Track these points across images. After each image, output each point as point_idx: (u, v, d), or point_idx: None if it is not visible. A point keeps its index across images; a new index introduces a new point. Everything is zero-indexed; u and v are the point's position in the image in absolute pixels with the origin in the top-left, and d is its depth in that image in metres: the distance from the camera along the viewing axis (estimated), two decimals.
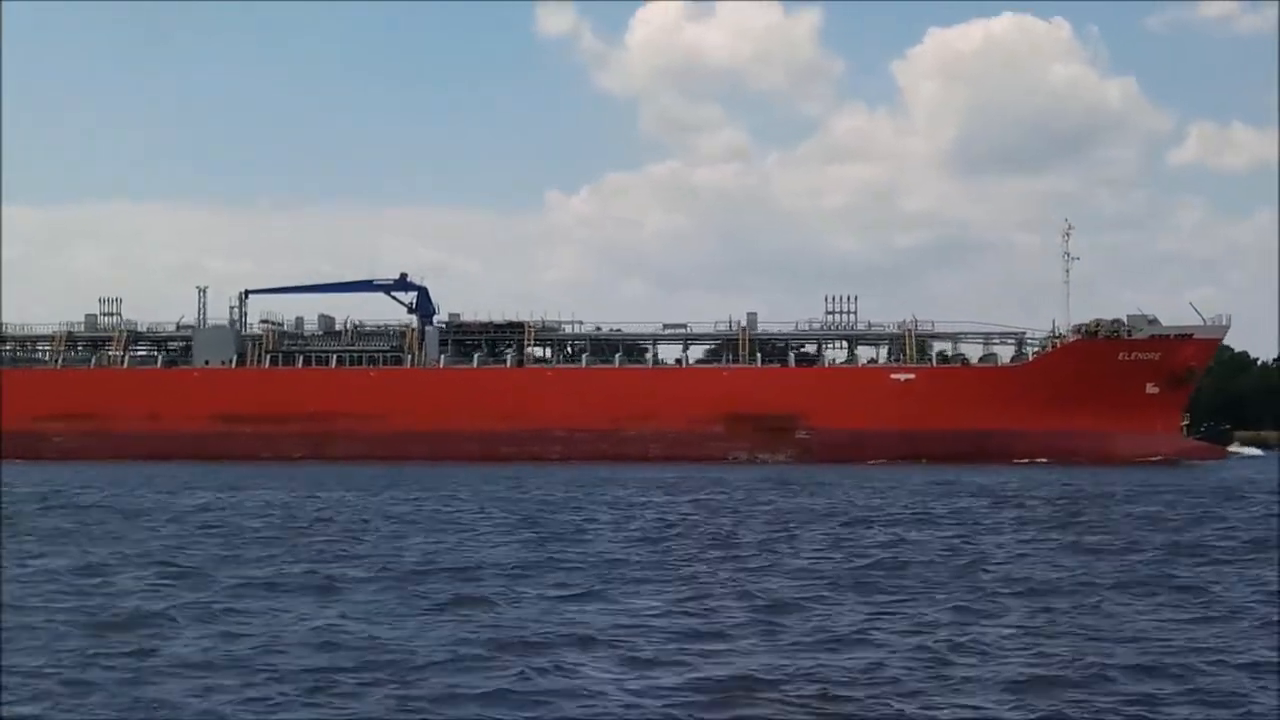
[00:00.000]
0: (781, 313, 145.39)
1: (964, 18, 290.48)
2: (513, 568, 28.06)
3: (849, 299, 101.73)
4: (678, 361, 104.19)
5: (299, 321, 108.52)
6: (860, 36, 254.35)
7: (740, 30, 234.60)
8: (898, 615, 21.80)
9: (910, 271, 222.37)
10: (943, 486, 59.25)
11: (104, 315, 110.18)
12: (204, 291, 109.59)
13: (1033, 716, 15.11)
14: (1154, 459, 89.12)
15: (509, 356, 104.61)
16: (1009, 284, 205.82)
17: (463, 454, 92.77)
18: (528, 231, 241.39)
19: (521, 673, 17.12)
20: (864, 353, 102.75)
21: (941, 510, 45.24)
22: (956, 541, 34.12)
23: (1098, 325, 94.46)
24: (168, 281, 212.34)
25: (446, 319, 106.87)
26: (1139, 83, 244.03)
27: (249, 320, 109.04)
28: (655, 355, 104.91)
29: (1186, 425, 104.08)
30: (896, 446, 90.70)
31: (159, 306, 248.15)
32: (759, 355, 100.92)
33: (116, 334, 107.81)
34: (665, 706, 15.53)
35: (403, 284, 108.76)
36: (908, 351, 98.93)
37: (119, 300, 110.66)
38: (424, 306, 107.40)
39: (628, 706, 15.55)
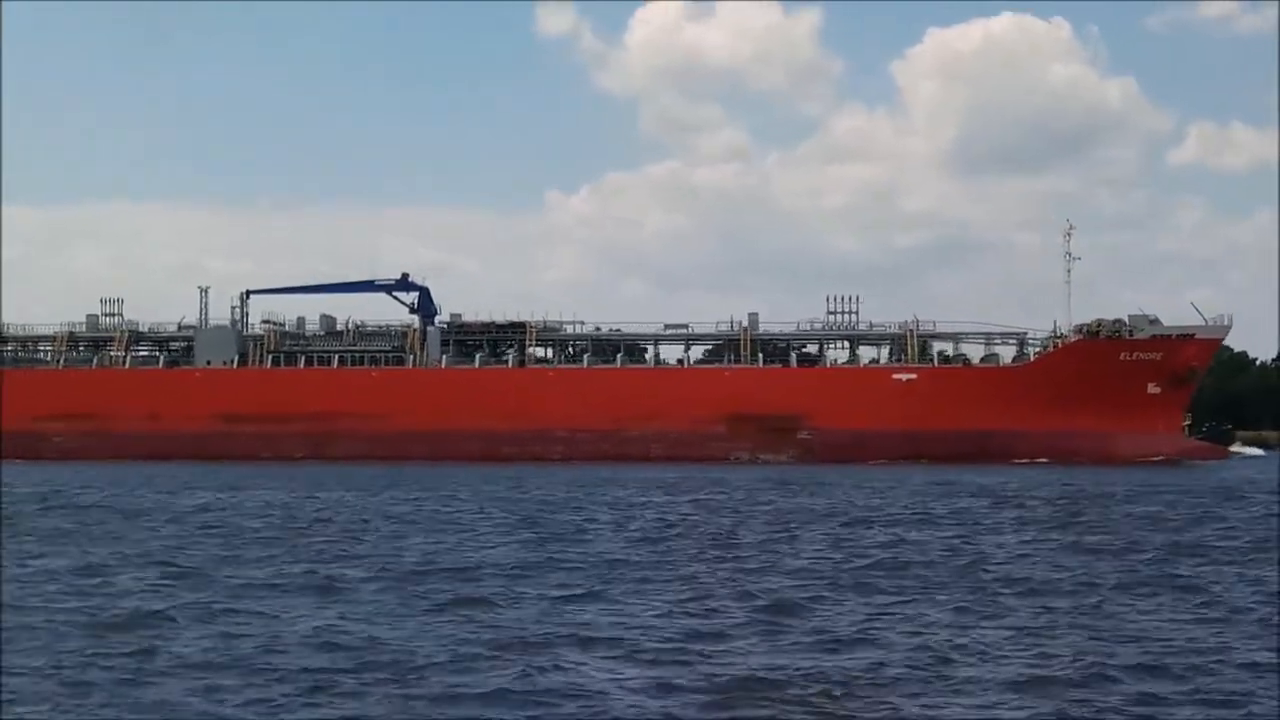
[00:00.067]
0: (781, 313, 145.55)
1: (963, 18, 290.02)
2: (512, 568, 28.05)
3: (851, 299, 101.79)
4: (679, 362, 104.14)
5: (300, 322, 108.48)
6: (860, 36, 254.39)
7: (740, 30, 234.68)
8: (898, 615, 21.79)
9: (910, 271, 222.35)
10: (945, 486, 59.23)
11: (105, 315, 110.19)
12: (205, 292, 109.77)
13: (1034, 716, 15.10)
14: (1156, 459, 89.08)
15: (510, 357, 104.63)
16: (1009, 284, 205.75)
17: (464, 454, 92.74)
18: (528, 231, 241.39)
19: (522, 672, 17.11)
20: (865, 353, 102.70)
21: (943, 510, 45.22)
22: (957, 542, 34.12)
23: (1099, 325, 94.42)
24: (168, 282, 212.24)
25: (448, 319, 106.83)
26: (1139, 83, 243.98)
27: (250, 320, 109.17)
28: (657, 355, 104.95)
29: (1188, 425, 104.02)
30: (899, 447, 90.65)
31: (159, 306, 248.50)
32: (760, 355, 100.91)
33: (118, 334, 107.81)
34: (665, 706, 15.52)
35: (404, 284, 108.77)
36: (909, 352, 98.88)
37: (120, 300, 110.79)
38: (426, 307, 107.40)
39: (628, 706, 15.54)
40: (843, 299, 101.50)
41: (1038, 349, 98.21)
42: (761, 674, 17.13)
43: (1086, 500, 50.62)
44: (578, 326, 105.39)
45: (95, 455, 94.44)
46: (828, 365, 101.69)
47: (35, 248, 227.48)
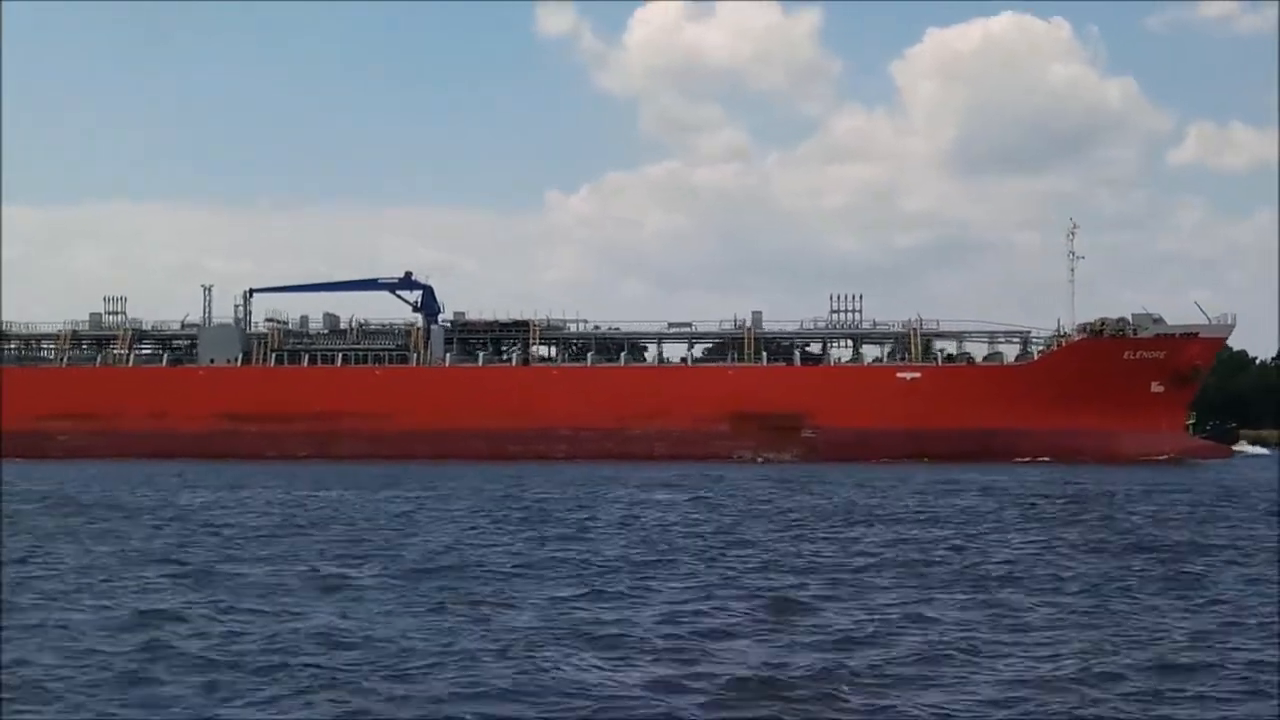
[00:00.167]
0: (781, 312, 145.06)
1: (963, 17, 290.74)
2: (513, 566, 28.02)
3: (854, 298, 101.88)
4: (683, 360, 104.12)
5: (304, 320, 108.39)
6: (859, 36, 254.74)
7: (740, 30, 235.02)
8: (902, 614, 21.77)
9: (910, 271, 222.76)
10: (949, 485, 59.21)
11: (109, 314, 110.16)
12: (209, 290, 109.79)
13: (1040, 715, 15.17)
14: (1159, 458, 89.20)
15: (514, 355, 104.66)
16: (1009, 284, 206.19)
17: (468, 453, 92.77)
18: (527, 231, 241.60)
19: (522, 669, 17.13)
20: (869, 352, 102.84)
21: (947, 509, 45.17)
22: (961, 540, 34.05)
23: (1103, 324, 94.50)
24: (167, 281, 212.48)
25: (451, 318, 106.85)
26: (1138, 83, 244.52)
27: (254, 319, 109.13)
28: (660, 354, 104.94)
29: (1192, 424, 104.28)
30: (902, 445, 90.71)
31: (159, 306, 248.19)
32: (764, 354, 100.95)
33: (121, 333, 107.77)
34: (666, 706, 15.54)
35: (408, 283, 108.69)
36: (913, 350, 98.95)
37: (123, 299, 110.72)
38: (429, 305, 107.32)
39: (629, 704, 15.55)
40: (846, 298, 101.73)
41: (1041, 348, 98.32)
42: (764, 673, 17.11)
43: (1090, 499, 50.60)
44: (581, 325, 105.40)
45: (100, 454, 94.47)
46: (831, 364, 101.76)
47: (35, 248, 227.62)
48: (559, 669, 17.30)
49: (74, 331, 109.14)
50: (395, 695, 15.90)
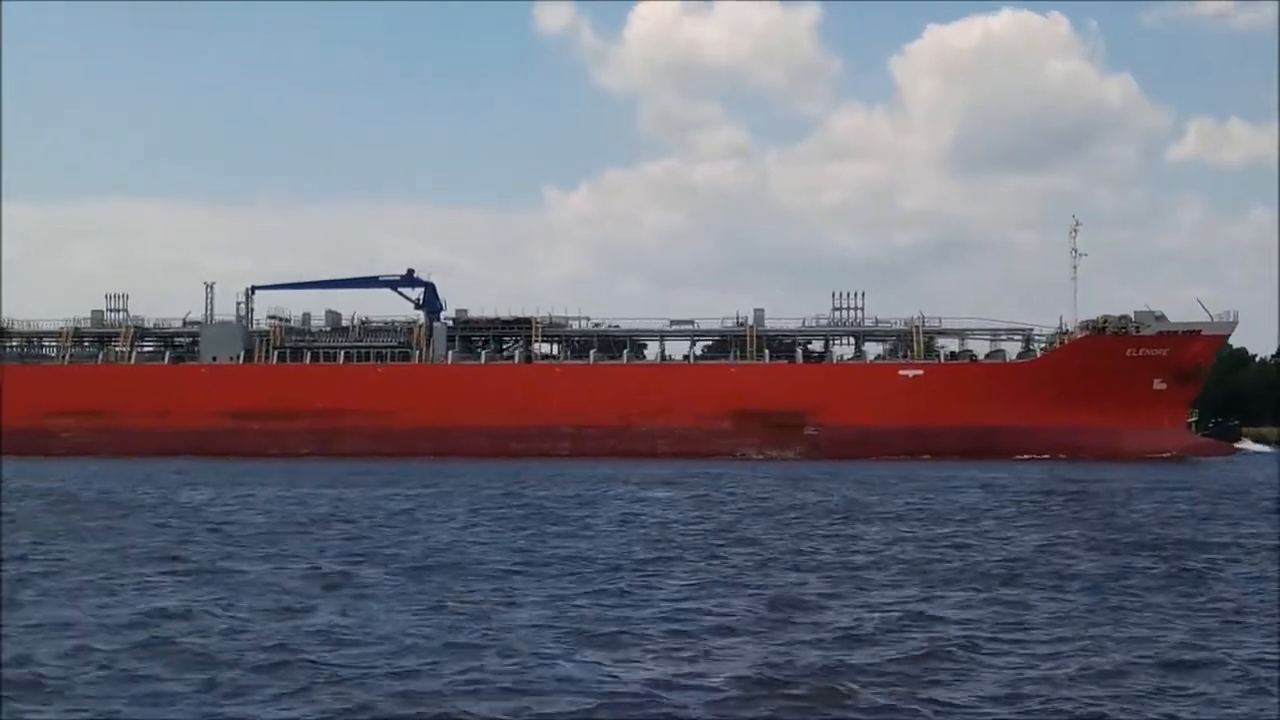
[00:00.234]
0: (780, 310, 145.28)
1: (963, 14, 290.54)
2: (514, 563, 28.02)
3: (856, 295, 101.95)
4: (685, 358, 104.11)
5: (306, 317, 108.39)
6: (859, 34, 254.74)
7: (739, 27, 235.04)
8: (903, 612, 21.74)
9: (909, 269, 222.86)
10: (951, 483, 59.24)
11: (110, 312, 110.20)
12: (211, 287, 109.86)
13: (1042, 713, 15.17)
14: (1161, 455, 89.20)
15: (516, 353, 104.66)
16: (1009, 282, 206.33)
17: (471, 450, 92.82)
18: (527, 230, 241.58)
19: (522, 665, 17.11)
20: (871, 349, 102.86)
21: (949, 507, 45.15)
22: (963, 538, 34.06)
23: (1105, 321, 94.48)
24: (167, 279, 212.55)
25: (453, 315, 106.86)
26: (1137, 80, 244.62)
27: (255, 316, 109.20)
28: (663, 351, 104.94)
29: (1195, 421, 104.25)
30: (905, 443, 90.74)
31: (160, 304, 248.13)
32: (766, 352, 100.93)
33: (123, 330, 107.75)
34: (667, 704, 15.50)
35: (410, 280, 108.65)
36: (915, 348, 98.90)
37: (125, 296, 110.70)
38: (431, 302, 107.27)
39: (628, 703, 15.54)
40: (848, 295, 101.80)
41: (1043, 346, 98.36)
42: (767, 672, 17.09)
43: (1091, 497, 50.60)
44: (583, 323, 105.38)
45: (103, 451, 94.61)
46: (834, 362, 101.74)
47: (34, 246, 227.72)
48: (559, 666, 17.28)
49: (76, 329, 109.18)
50: (395, 692, 15.90)
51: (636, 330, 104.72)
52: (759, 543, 32.63)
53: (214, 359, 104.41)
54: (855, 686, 16.15)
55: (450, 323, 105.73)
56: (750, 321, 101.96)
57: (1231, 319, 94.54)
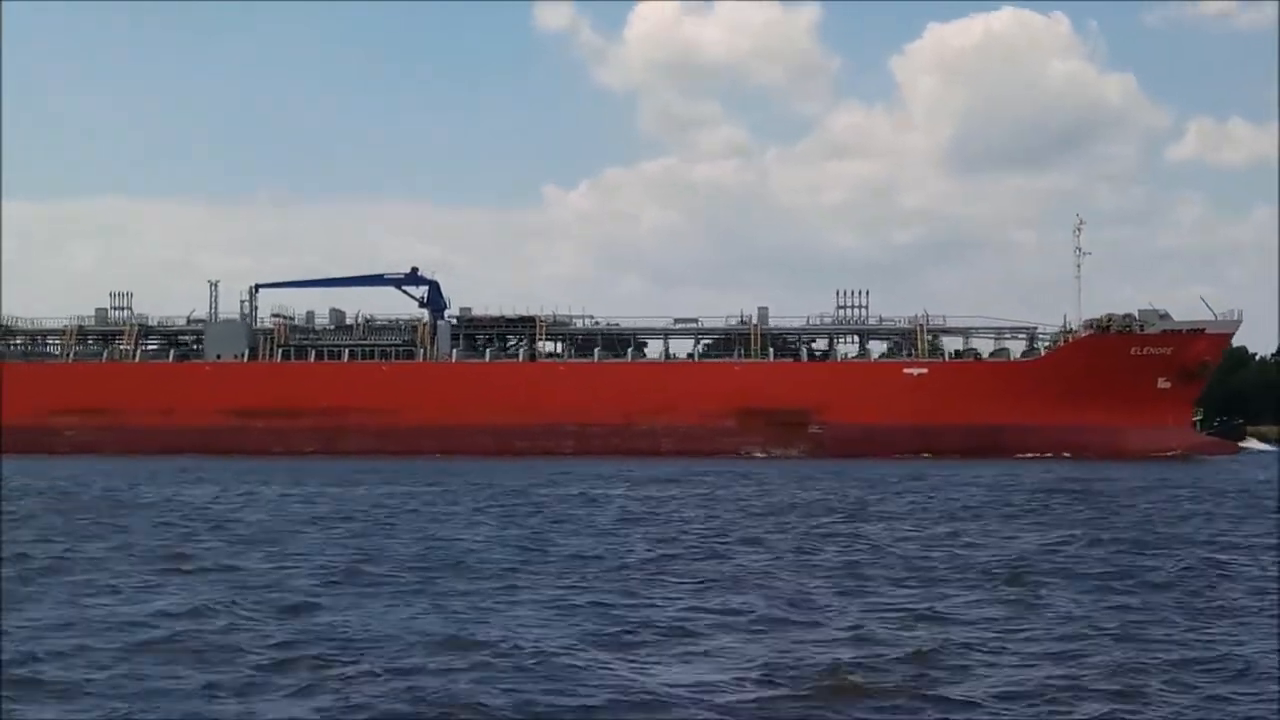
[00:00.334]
0: (780, 309, 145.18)
1: (963, 13, 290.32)
2: (517, 562, 27.98)
3: (860, 294, 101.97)
4: (689, 356, 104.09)
5: (310, 316, 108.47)
6: (859, 32, 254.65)
7: (738, 26, 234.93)
8: (908, 612, 21.70)
9: (909, 268, 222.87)
10: (955, 481, 59.18)
11: (114, 309, 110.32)
12: (215, 286, 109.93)
13: (1043, 712, 15.15)
14: (1166, 454, 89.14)
15: (520, 351, 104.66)
16: (1009, 281, 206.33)
17: (475, 448, 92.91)
18: (526, 228, 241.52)
19: (523, 665, 17.06)
20: (875, 347, 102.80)
21: (953, 505, 45.08)
22: (968, 536, 34.00)
23: (1109, 320, 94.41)
24: (166, 278, 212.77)
25: (457, 313, 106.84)
26: (1138, 79, 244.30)
27: (259, 314, 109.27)
28: (667, 350, 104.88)
29: (1199, 420, 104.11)
30: (910, 441, 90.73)
31: (160, 303, 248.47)
32: (771, 350, 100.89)
33: (127, 328, 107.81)
34: (669, 704, 15.47)
35: (414, 278, 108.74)
36: (919, 347, 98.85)
37: (130, 294, 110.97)
38: (435, 301, 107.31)
39: (629, 702, 15.48)
40: (852, 294, 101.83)
41: (1047, 344, 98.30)
42: (773, 670, 17.03)
43: (1095, 495, 50.51)
44: (587, 321, 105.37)
45: (107, 449, 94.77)
46: (838, 360, 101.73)
47: (32, 244, 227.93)
48: (560, 666, 17.24)
49: (80, 327, 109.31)
50: (397, 690, 15.89)
51: (640, 329, 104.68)
52: (762, 542, 32.56)
53: (218, 357, 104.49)
54: (859, 684, 16.12)
55: (454, 321, 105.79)
56: (754, 320, 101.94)
57: (1236, 317, 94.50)
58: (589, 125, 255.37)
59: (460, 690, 15.80)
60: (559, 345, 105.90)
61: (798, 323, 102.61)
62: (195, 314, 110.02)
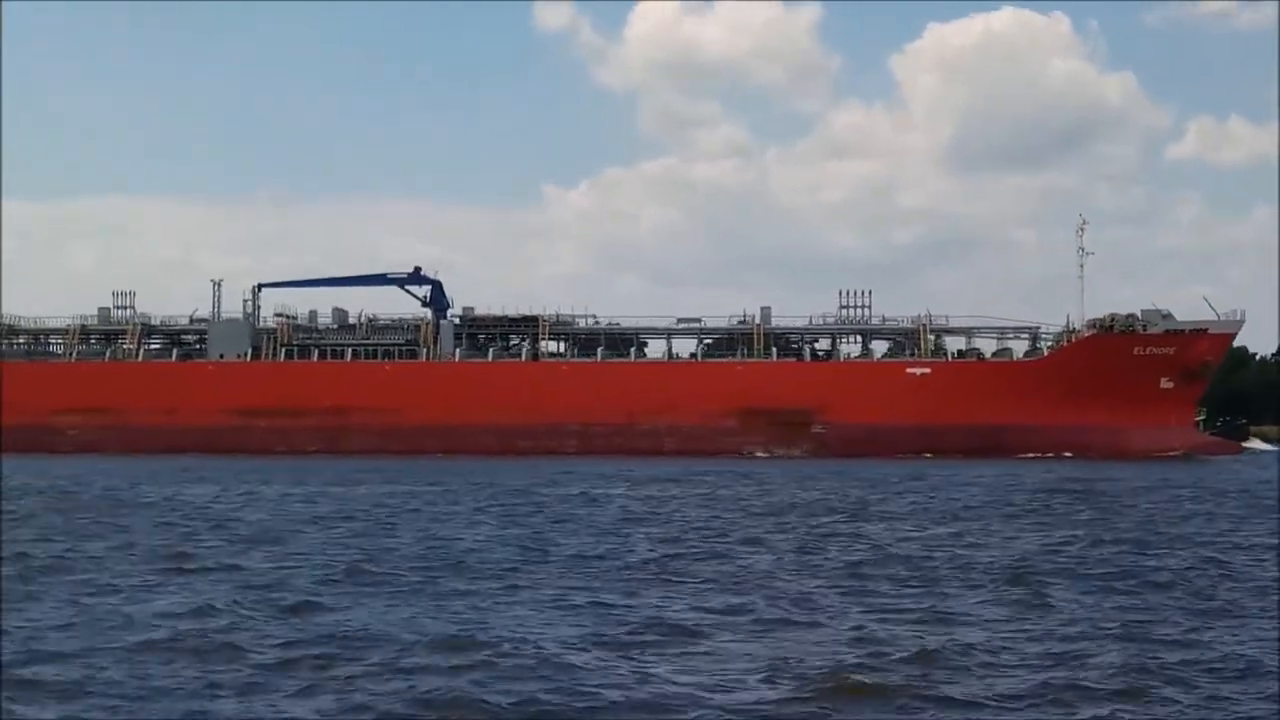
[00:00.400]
0: (780, 308, 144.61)
1: (964, 13, 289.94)
2: (516, 561, 27.97)
3: (863, 294, 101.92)
4: (692, 356, 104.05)
5: (313, 315, 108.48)
6: (859, 32, 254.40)
7: (738, 25, 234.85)
8: (912, 610, 21.68)
9: (909, 267, 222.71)
10: (958, 481, 59.12)
11: (117, 309, 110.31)
12: (218, 285, 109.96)
13: (1044, 711, 15.10)
14: (1169, 454, 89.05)
15: (523, 350, 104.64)
16: (1009, 280, 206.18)
17: (478, 448, 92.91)
18: (526, 228, 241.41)
19: (524, 665, 17.02)
20: (878, 347, 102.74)
21: (956, 505, 45.05)
22: (971, 536, 33.98)
23: (1112, 320, 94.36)
24: (166, 278, 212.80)
25: (460, 313, 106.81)
26: (1138, 78, 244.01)
27: (262, 314, 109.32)
28: (670, 349, 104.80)
29: (1202, 420, 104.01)
30: (912, 441, 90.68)
31: (161, 302, 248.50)
32: (774, 350, 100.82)
33: (130, 328, 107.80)
34: (671, 703, 15.45)
35: (417, 277, 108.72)
36: (922, 346, 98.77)
37: (132, 294, 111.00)
38: (438, 300, 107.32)
39: (629, 702, 15.46)
40: (854, 294, 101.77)
41: (1050, 344, 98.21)
42: (778, 670, 16.99)
43: (1098, 495, 50.46)
44: (589, 321, 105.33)
45: (110, 448, 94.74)
46: (841, 359, 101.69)
47: (32, 244, 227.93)
48: (561, 665, 17.21)
49: (83, 326, 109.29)
50: (398, 689, 15.87)
51: (643, 328, 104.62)
52: (763, 542, 32.51)
53: (221, 356, 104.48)
54: (862, 684, 16.08)
55: (457, 321, 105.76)
56: (757, 320, 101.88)
57: (1238, 317, 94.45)
58: (589, 125, 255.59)
59: (461, 690, 15.77)
60: (562, 345, 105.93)
61: (800, 322, 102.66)
62: (198, 313, 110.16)
